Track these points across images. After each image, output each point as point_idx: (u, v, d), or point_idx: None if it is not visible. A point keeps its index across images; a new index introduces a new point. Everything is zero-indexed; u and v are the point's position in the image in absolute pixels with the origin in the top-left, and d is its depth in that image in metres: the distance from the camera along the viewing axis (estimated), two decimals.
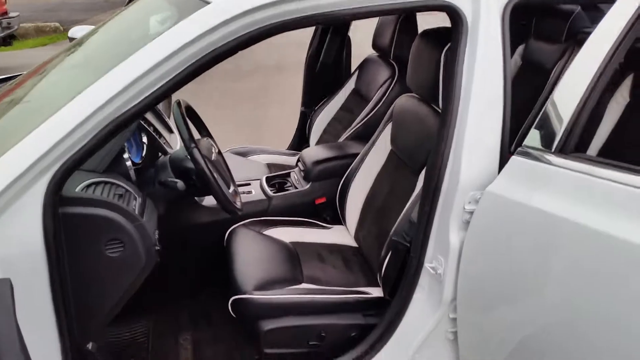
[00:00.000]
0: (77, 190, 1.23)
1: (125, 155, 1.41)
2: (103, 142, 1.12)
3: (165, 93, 1.12)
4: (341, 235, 2.00)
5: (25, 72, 1.65)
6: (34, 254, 1.09)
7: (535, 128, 1.21)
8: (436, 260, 1.37)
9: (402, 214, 1.59)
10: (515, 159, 1.23)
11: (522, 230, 1.19)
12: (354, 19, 1.22)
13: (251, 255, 1.76)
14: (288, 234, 1.93)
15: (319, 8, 1.15)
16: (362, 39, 2.47)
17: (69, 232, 1.15)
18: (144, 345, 1.81)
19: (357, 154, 2.01)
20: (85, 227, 1.19)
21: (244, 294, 1.56)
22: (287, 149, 2.89)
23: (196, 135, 1.66)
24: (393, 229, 1.59)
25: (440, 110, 1.51)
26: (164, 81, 1.10)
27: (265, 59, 5.50)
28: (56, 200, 1.10)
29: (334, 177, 2.05)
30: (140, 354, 1.77)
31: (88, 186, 1.25)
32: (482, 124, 1.27)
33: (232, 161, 2.52)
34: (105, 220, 1.20)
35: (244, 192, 2.07)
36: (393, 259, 1.52)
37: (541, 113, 1.20)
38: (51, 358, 1.18)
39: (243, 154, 2.66)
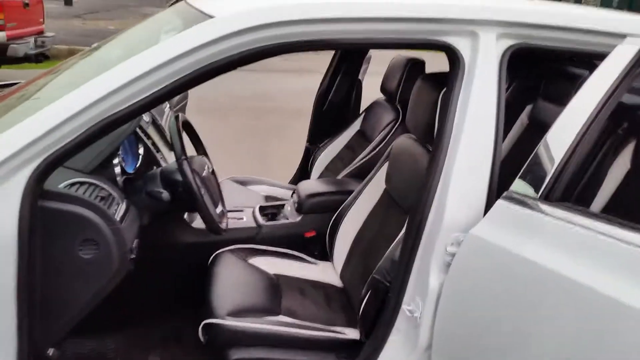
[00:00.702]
0: (60, 186, 1.24)
1: (115, 161, 1.42)
2: (91, 140, 1.14)
3: (157, 99, 1.14)
4: (326, 273, 1.96)
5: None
6: (5, 243, 1.09)
7: (523, 173, 1.20)
8: (414, 303, 1.34)
9: (386, 253, 1.56)
10: (500, 203, 1.21)
11: (503, 277, 1.16)
12: (354, 48, 1.25)
13: (232, 280, 1.74)
14: (273, 265, 1.91)
15: (324, 34, 1.19)
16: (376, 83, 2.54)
17: (44, 226, 1.15)
18: None
19: (352, 191, 2.01)
20: (62, 224, 1.19)
21: (217, 318, 1.52)
22: (289, 182, 2.90)
23: (193, 153, 1.69)
24: (376, 267, 1.57)
25: None
26: (158, 88, 1.13)
27: (285, 104, 5.70)
28: (37, 191, 1.11)
29: (327, 212, 2.04)
30: None
31: (72, 184, 1.26)
32: (470, 165, 1.27)
33: (230, 188, 2.54)
34: (83, 219, 1.20)
35: (234, 218, 2.07)
36: (372, 298, 1.49)
37: (530, 158, 1.20)
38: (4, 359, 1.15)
39: (243, 182, 2.67)
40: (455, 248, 1.26)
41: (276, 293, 1.75)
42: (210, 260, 1.89)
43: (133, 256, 1.30)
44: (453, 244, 1.27)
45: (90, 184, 1.30)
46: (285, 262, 1.95)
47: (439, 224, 1.27)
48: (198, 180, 1.50)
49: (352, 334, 1.60)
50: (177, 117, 1.55)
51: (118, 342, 1.82)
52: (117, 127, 1.16)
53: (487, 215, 1.24)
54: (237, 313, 1.56)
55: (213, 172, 1.78)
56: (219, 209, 1.66)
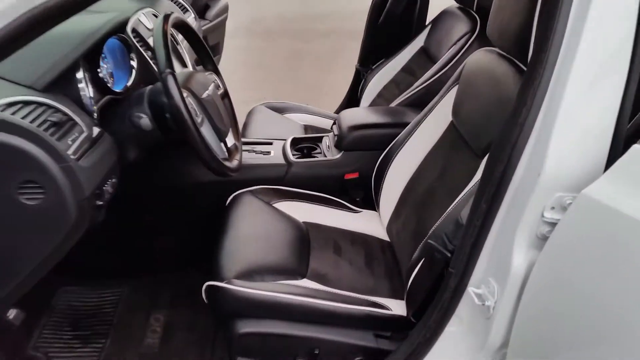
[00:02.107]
0: None
1: (79, 75, 1.06)
2: (19, 39, 0.77)
3: None
4: (371, 224, 1.59)
5: None
6: None
7: None
8: (486, 286, 0.95)
9: (448, 210, 1.16)
10: (637, 151, 0.76)
11: (635, 259, 0.73)
12: None
13: (249, 230, 1.40)
14: (303, 211, 1.55)
15: None
16: None
17: None
18: (108, 316, 1.52)
19: (407, 124, 1.58)
20: None
21: (222, 280, 1.20)
22: (335, 111, 2.48)
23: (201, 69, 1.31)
24: (433, 227, 1.17)
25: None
26: None
27: (338, 25, 5.12)
28: None
29: (374, 150, 1.64)
30: (102, 327, 1.48)
31: (11, 104, 0.92)
32: (588, 95, 0.81)
33: (263, 115, 2.17)
34: (20, 154, 0.87)
35: (261, 152, 1.70)
36: (426, 270, 1.11)
37: None
38: None
39: (279, 109, 2.29)
40: (558, 214, 0.85)
41: (303, 248, 1.40)
42: (227, 203, 1.56)
43: (101, 203, 0.97)
44: (554, 208, 0.85)
45: (39, 104, 0.95)
46: (319, 209, 1.59)
47: (534, 178, 0.84)
48: (194, 104, 1.13)
49: (398, 308, 1.24)
50: (166, 17, 1.15)
51: (120, 297, 1.56)
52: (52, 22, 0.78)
53: (611, 168, 0.80)
54: (248, 274, 1.23)
55: (225, 96, 1.39)
56: (229, 142, 1.29)
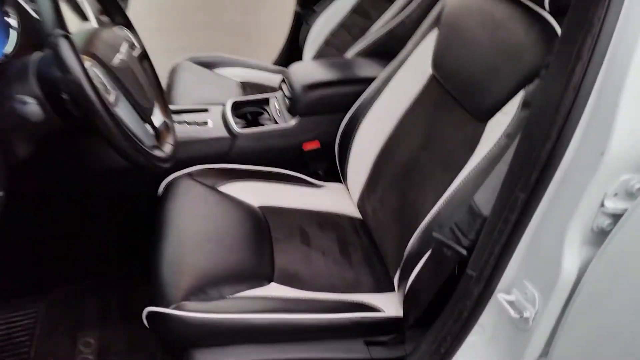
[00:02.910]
0: None
1: None
2: None
3: None
4: (338, 199, 1.36)
5: None
6: None
7: None
8: (521, 292, 0.75)
9: (450, 191, 0.94)
10: None
11: None
12: None
13: (192, 226, 1.12)
14: (256, 193, 1.29)
15: None
16: None
17: None
18: (23, 347, 1.21)
19: (372, 79, 1.33)
20: None
21: (168, 305, 0.93)
22: (274, 63, 2.18)
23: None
24: (431, 214, 0.96)
25: (542, 12, 0.85)
26: None
27: None
28: None
29: (335, 112, 1.38)
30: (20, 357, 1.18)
31: None
32: None
33: (189, 74, 1.83)
34: None
35: (195, 123, 1.39)
36: (430, 268, 0.90)
37: None
38: None
39: (209, 64, 1.95)
40: (624, 202, 0.66)
41: (264, 241, 1.15)
42: (160, 192, 1.26)
43: None
44: (617, 194, 0.65)
45: None
46: (275, 187, 1.33)
47: (593, 157, 0.64)
48: (101, 75, 0.81)
49: (389, 307, 1.05)
50: None
51: (34, 318, 1.25)
52: None
53: None
54: (199, 290, 0.97)
55: (144, 57, 1.06)
56: (157, 121, 0.99)
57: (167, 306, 0.93)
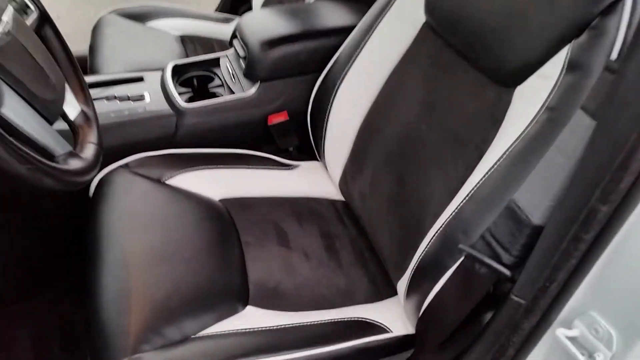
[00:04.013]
0: None
1: None
2: None
3: None
4: (316, 179, 1.15)
5: None
6: None
7: None
8: (588, 327, 0.58)
9: (473, 182, 0.74)
10: None
11: None
12: None
13: (137, 238, 0.89)
14: (216, 183, 1.06)
15: None
16: None
17: None
18: None
19: (349, 29, 1.09)
20: None
21: (117, 359, 0.71)
22: (218, 10, 1.87)
23: None
24: (447, 212, 0.76)
25: None
26: None
27: None
28: None
29: (303, 74, 1.14)
30: None
31: None
32: None
33: (117, 30, 1.52)
34: None
35: (127, 98, 1.12)
36: (458, 288, 0.71)
37: None
38: None
39: (139, 17, 1.63)
40: None
41: (230, 247, 0.94)
42: (92, 191, 1.01)
43: None
44: None
45: None
46: (239, 173, 1.10)
47: None
48: None
49: (397, 323, 0.87)
50: None
51: None
52: None
53: None
54: (155, 330, 0.76)
55: (44, 21, 0.78)
56: (72, 112, 0.72)
57: None
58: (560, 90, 0.67)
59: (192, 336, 0.76)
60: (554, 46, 0.69)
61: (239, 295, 0.85)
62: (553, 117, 0.66)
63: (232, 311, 0.82)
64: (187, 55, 1.52)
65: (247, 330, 0.78)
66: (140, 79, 1.18)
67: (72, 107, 0.73)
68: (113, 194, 0.97)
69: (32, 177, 0.55)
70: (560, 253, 0.55)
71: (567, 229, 0.55)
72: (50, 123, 0.65)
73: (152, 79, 1.19)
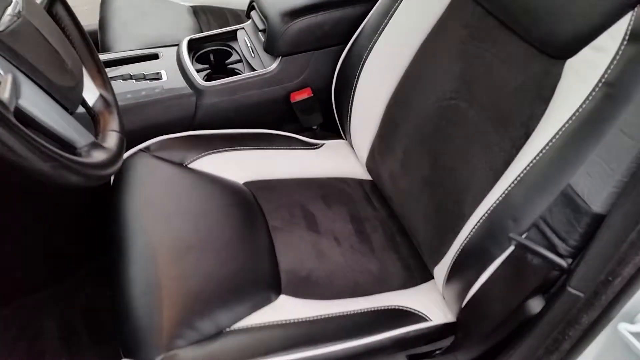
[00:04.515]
0: None
1: None
2: None
3: None
4: (341, 158, 1.12)
5: None
6: None
7: None
8: None
9: (521, 164, 0.70)
10: None
11: None
12: None
13: (161, 230, 0.86)
14: (239, 165, 1.03)
15: None
16: None
17: None
18: None
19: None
20: None
21: (142, 353, 0.70)
22: None
23: None
24: (493, 196, 0.72)
25: None
26: None
27: None
28: None
29: (327, 47, 1.09)
30: None
31: None
32: None
33: (127, 4, 1.47)
34: None
35: (143, 77, 1.08)
36: (507, 280, 0.68)
37: None
38: None
39: None
40: None
41: (258, 233, 0.92)
42: (112, 178, 0.99)
43: None
44: None
45: None
46: (262, 155, 1.07)
47: None
48: None
49: (436, 311, 0.84)
50: None
51: None
52: None
53: None
54: (188, 325, 0.74)
55: (55, 1, 0.73)
56: (90, 98, 0.69)
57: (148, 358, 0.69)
58: (621, 64, 0.62)
59: (227, 329, 0.75)
60: (613, 14, 0.64)
61: (271, 285, 0.83)
62: (612, 93, 0.62)
63: (266, 301, 0.80)
64: (200, 28, 1.47)
65: (284, 322, 0.76)
66: (156, 56, 1.14)
67: (90, 92, 0.70)
68: (135, 180, 0.94)
69: (57, 175, 0.52)
70: (628, 245, 0.52)
71: (636, 219, 0.51)
72: (71, 112, 0.62)
73: (168, 56, 1.15)
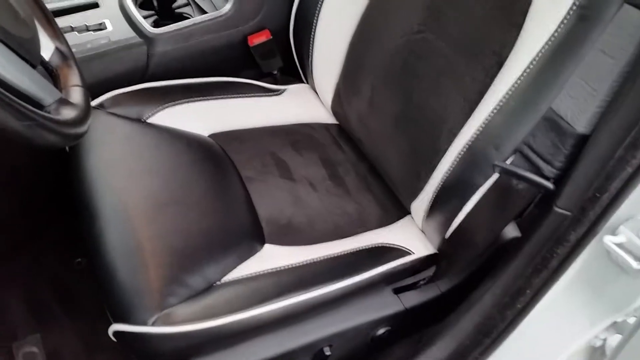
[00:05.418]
0: None
1: None
2: None
3: None
4: (306, 103, 1.11)
5: None
6: None
7: None
8: (635, 231, 0.59)
9: (500, 93, 0.71)
10: None
11: None
12: None
13: (131, 189, 0.83)
14: (201, 117, 1.00)
15: None
16: None
17: None
18: None
19: None
20: None
21: (144, 322, 0.69)
22: None
23: None
24: (471, 127, 0.74)
25: None
26: None
27: None
28: None
29: None
30: None
31: None
32: None
33: None
34: None
35: (86, 28, 1.00)
36: (491, 207, 0.71)
37: None
38: None
39: None
40: None
41: (232, 184, 0.91)
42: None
43: None
44: None
45: None
46: (224, 104, 1.04)
47: None
48: None
49: (417, 243, 0.87)
50: None
51: None
52: None
53: None
54: (176, 284, 0.73)
55: None
56: (46, 52, 0.64)
57: (143, 323, 0.68)
58: None
59: (218, 282, 0.74)
60: None
61: (254, 235, 0.83)
62: (587, 15, 0.63)
63: (252, 251, 0.80)
64: None
65: (274, 269, 0.77)
66: (95, 5, 1.06)
67: (44, 46, 0.64)
68: (93, 140, 0.89)
69: (33, 135, 0.48)
70: (615, 161, 0.55)
71: (623, 135, 0.54)
72: (34, 66, 0.57)
73: (109, 3, 1.07)
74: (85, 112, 0.61)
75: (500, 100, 0.71)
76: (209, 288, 0.73)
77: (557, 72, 0.65)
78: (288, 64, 1.12)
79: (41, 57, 0.63)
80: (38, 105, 0.55)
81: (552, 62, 0.66)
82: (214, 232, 0.80)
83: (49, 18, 0.69)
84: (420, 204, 0.85)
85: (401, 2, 0.90)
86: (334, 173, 0.99)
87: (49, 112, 0.56)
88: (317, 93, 1.10)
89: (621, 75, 0.57)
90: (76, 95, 0.63)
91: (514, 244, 0.72)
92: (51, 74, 0.65)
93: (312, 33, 1.03)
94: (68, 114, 0.57)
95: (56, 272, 1.04)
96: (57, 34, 0.69)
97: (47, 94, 0.56)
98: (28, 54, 0.56)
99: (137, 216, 0.79)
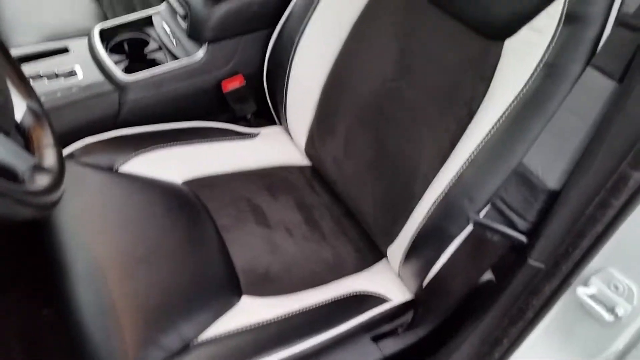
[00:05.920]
0: None
1: None
2: None
3: None
4: (280, 145, 1.12)
5: None
6: None
7: None
8: (606, 283, 0.61)
9: (471, 146, 0.74)
10: None
11: None
12: None
13: (103, 242, 0.82)
14: (174, 164, 1.00)
15: None
16: None
17: None
18: None
19: None
20: None
21: None
22: None
23: None
24: (445, 179, 0.76)
25: None
26: None
27: None
28: None
29: (256, 30, 1.07)
30: None
31: None
32: None
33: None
34: None
35: (55, 75, 1.00)
36: (469, 254, 0.73)
37: None
38: None
39: None
40: None
41: (207, 233, 0.90)
42: None
43: None
44: None
45: None
46: (198, 149, 1.04)
47: None
48: None
49: (394, 290, 0.88)
50: None
51: None
52: None
53: None
54: (150, 343, 0.72)
55: None
56: (18, 113, 0.63)
57: None
58: (559, 45, 0.67)
59: (195, 341, 0.73)
60: None
61: (230, 287, 0.83)
62: (553, 73, 0.67)
63: (229, 304, 0.80)
64: (103, 12, 1.37)
65: (251, 326, 0.76)
66: (65, 50, 1.05)
67: (16, 105, 0.64)
68: (64, 192, 0.88)
69: (7, 212, 0.48)
70: (585, 219, 0.57)
71: (592, 194, 0.56)
72: (7, 133, 0.56)
73: (78, 48, 1.07)
74: (60, 176, 0.60)
75: (472, 152, 0.73)
76: (185, 348, 0.72)
77: (526, 128, 0.68)
78: (261, 106, 1.13)
79: (14, 121, 0.62)
80: (12, 176, 0.54)
81: (522, 117, 0.69)
82: (189, 286, 0.79)
83: (20, 76, 0.69)
84: (397, 249, 0.86)
85: (372, 49, 0.92)
86: (309, 217, 0.99)
87: (23, 181, 0.55)
88: (290, 135, 1.11)
89: (588, 135, 0.60)
90: (49, 157, 0.62)
91: (490, 291, 0.74)
92: (23, 135, 0.64)
93: (286, 78, 1.04)
94: (42, 180, 0.57)
95: (26, 326, 1.01)
96: (29, 92, 0.68)
97: (20, 161, 0.55)
98: (1, 119, 0.55)
99: (109, 272, 0.77)
